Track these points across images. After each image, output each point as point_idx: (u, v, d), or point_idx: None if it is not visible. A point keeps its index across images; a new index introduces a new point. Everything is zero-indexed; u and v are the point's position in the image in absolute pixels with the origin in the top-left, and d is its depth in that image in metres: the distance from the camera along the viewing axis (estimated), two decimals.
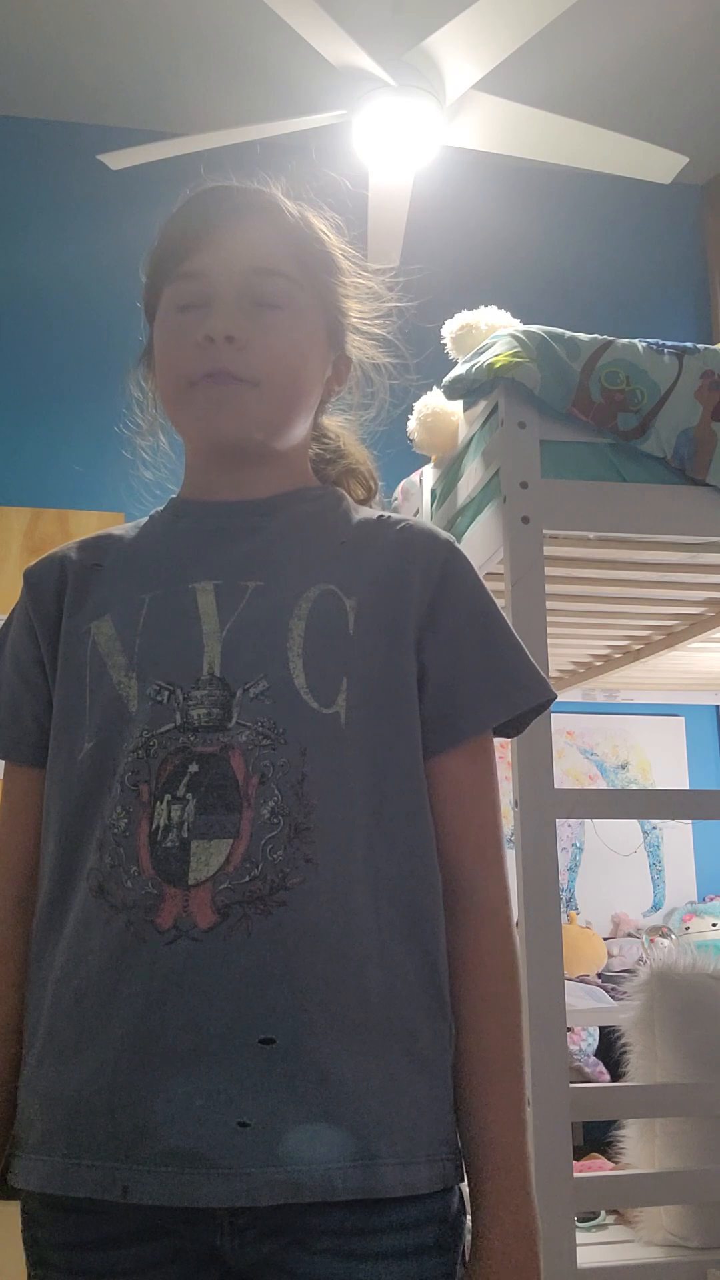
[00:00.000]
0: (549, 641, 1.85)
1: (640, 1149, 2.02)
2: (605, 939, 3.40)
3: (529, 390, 1.86)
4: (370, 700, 0.94)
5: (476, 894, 0.97)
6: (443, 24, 2.72)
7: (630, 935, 3.43)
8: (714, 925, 3.39)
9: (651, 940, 3.27)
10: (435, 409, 2.21)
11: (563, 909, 3.11)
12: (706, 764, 3.83)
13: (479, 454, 2.04)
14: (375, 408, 1.17)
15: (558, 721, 2.19)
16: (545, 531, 1.86)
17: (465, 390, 2.01)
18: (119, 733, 0.94)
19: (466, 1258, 0.92)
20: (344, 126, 3.01)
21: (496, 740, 1.02)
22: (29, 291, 3.65)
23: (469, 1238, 0.92)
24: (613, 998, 2.91)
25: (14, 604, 1.08)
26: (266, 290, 1.01)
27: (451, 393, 2.06)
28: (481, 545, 1.97)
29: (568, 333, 1.94)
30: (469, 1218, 0.93)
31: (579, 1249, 1.67)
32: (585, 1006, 2.89)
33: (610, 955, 3.31)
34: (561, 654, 2.82)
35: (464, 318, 2.17)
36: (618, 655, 2.81)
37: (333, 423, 1.17)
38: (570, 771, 3.68)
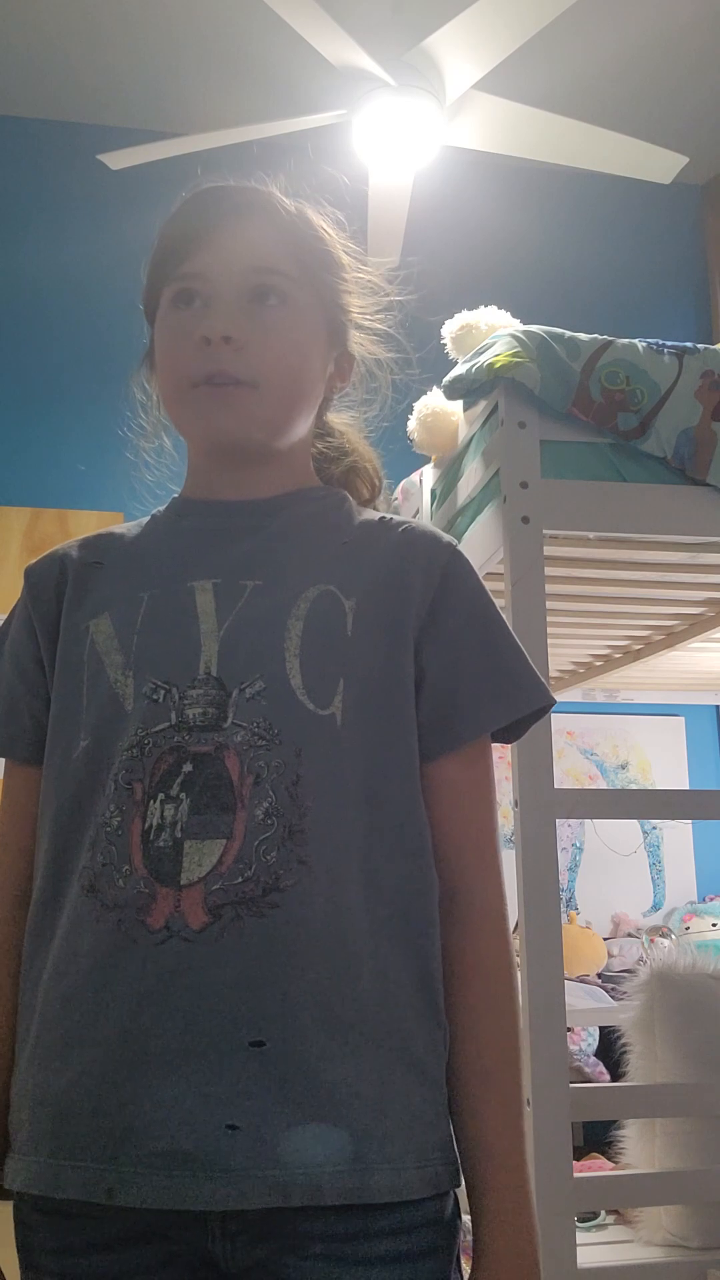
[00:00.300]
0: (549, 641, 1.85)
1: (640, 1149, 2.02)
2: (605, 939, 3.40)
3: (529, 390, 1.85)
4: (367, 702, 0.94)
5: (473, 898, 0.96)
6: (443, 24, 2.72)
7: (630, 935, 3.43)
8: (714, 925, 3.39)
9: (651, 940, 3.26)
10: (435, 409, 2.21)
11: (563, 909, 3.11)
12: (706, 764, 3.83)
13: (479, 454, 2.04)
14: (378, 404, 1.17)
15: (558, 721, 2.19)
16: (545, 531, 1.85)
17: (465, 390, 2.01)
18: (114, 731, 0.93)
19: (462, 1259, 0.92)
20: (344, 126, 3.01)
21: (494, 744, 1.02)
22: (29, 291, 3.65)
23: (468, 1238, 0.92)
24: (613, 998, 2.91)
25: (14, 603, 1.08)
26: (265, 289, 1.00)
27: (451, 393, 2.06)
28: (481, 545, 1.97)
29: (568, 333, 1.94)
30: (466, 1218, 0.92)
31: (579, 1249, 1.67)
32: (585, 1006, 2.89)
33: (610, 955, 3.31)
34: (561, 654, 2.82)
35: (464, 318, 2.17)
36: (618, 655, 2.81)
37: (338, 420, 1.16)
38: (570, 771, 3.68)
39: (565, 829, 3.55)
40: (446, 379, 2.05)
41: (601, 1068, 2.90)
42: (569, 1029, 2.70)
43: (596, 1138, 2.43)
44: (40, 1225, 0.90)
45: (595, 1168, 2.30)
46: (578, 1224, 1.80)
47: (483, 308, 2.18)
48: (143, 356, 1.11)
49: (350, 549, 1.01)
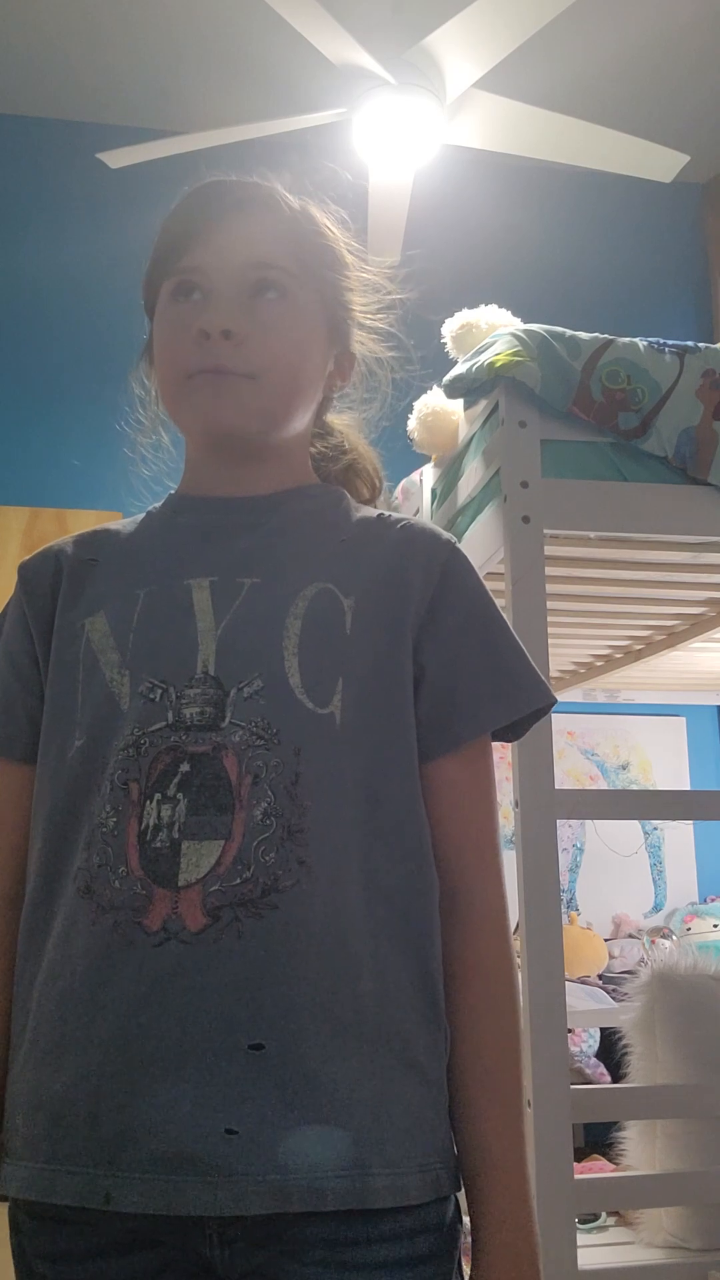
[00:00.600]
0: (549, 641, 1.84)
1: (641, 1150, 2.02)
2: (606, 940, 3.39)
3: (530, 389, 1.85)
4: (366, 701, 0.93)
5: (474, 899, 0.95)
6: (443, 22, 2.72)
7: (631, 936, 3.43)
8: (715, 926, 3.38)
9: (652, 941, 3.26)
10: (435, 408, 2.20)
11: (563, 910, 3.11)
12: (707, 764, 3.83)
13: (479, 453, 2.03)
14: (379, 402, 1.16)
15: (558, 722, 2.19)
16: (546, 531, 1.85)
17: (466, 389, 2.01)
18: (110, 730, 0.93)
19: (463, 1261, 0.91)
20: (344, 125, 3.00)
21: (496, 743, 1.01)
22: (29, 291, 3.65)
23: (468, 1240, 0.92)
24: (613, 999, 2.90)
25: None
26: (264, 284, 1.00)
27: (452, 392, 2.05)
28: (482, 545, 1.96)
29: (568, 331, 1.93)
30: (467, 1220, 0.92)
31: (580, 1250, 1.66)
32: (586, 1008, 2.89)
33: (611, 956, 3.31)
34: (562, 654, 2.81)
35: (464, 316, 2.17)
36: (618, 655, 2.81)
37: (339, 420, 1.16)
38: (571, 772, 3.68)
39: (566, 829, 3.54)
40: (447, 378, 2.05)
41: (602, 1069, 2.89)
42: (569, 1030, 2.70)
43: (597, 1139, 2.43)
44: (35, 1231, 0.89)
45: (596, 1169, 2.30)
46: (578, 1225, 1.80)
47: (483, 306, 2.18)
48: (142, 350, 1.10)
49: (349, 546, 1.01)
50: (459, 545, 1.03)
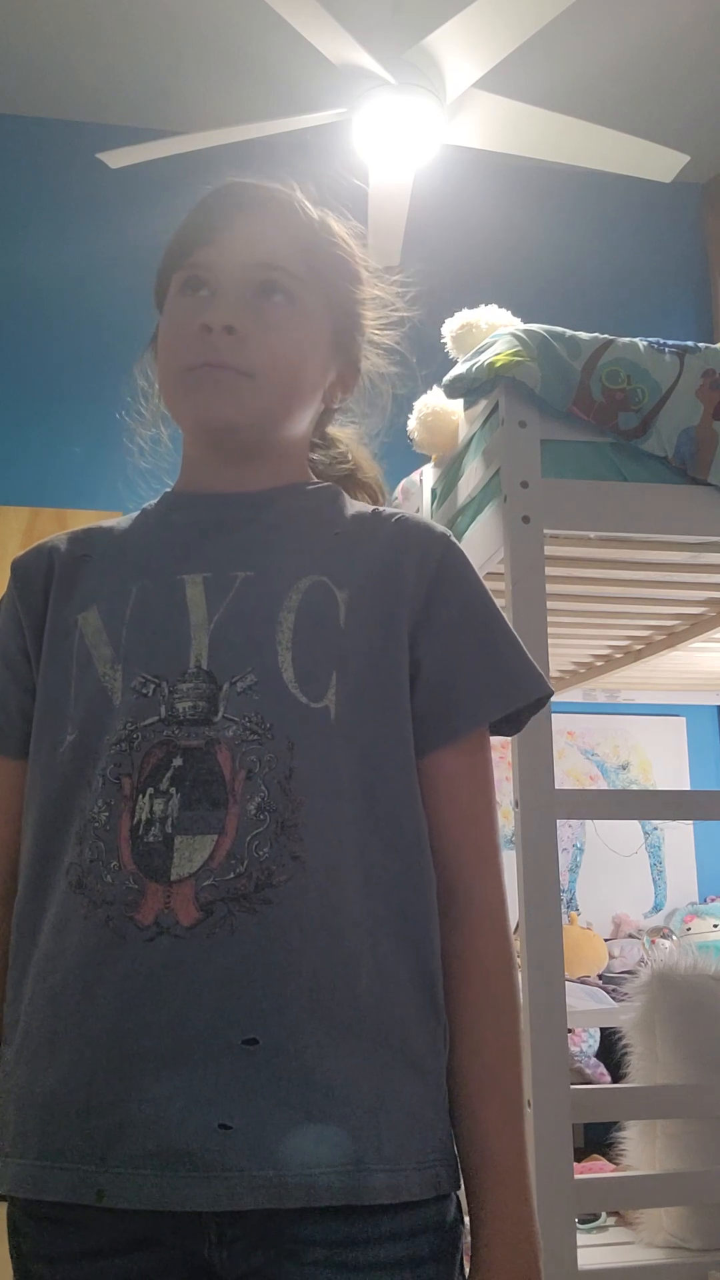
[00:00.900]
0: (549, 641, 1.84)
1: (641, 1150, 2.02)
2: (606, 940, 3.39)
3: (530, 389, 1.85)
4: (361, 694, 0.93)
5: (472, 894, 0.95)
6: (443, 22, 2.72)
7: (631, 936, 3.43)
8: (715, 926, 3.38)
9: (653, 941, 3.26)
10: (435, 408, 2.20)
11: (563, 910, 3.10)
12: (707, 764, 3.83)
13: (479, 453, 2.03)
14: (379, 415, 1.16)
15: (558, 722, 2.19)
16: (546, 531, 1.85)
17: (466, 389, 2.01)
18: (102, 725, 0.92)
19: (465, 1263, 0.91)
20: (344, 125, 3.00)
21: (495, 739, 1.01)
22: (29, 291, 3.65)
23: (468, 1240, 0.91)
24: (613, 999, 2.90)
25: None
26: (271, 285, 1.00)
27: (452, 392, 2.05)
28: (482, 545, 1.96)
29: (568, 331, 1.93)
30: (467, 1220, 0.91)
31: (580, 1251, 1.66)
32: (586, 1008, 2.89)
33: (611, 956, 3.31)
34: (562, 654, 2.81)
35: (464, 316, 2.17)
36: (618, 655, 2.80)
37: (343, 434, 1.17)
38: (571, 772, 3.68)
39: (566, 829, 3.54)
40: (447, 378, 2.05)
41: (602, 1069, 2.89)
42: (570, 1030, 2.70)
43: (597, 1139, 2.43)
44: (32, 1232, 0.88)
45: (596, 1169, 2.30)
46: (578, 1225, 1.80)
47: (483, 306, 2.18)
48: (149, 342, 1.10)
49: (343, 540, 1.01)
50: (454, 539, 1.02)
